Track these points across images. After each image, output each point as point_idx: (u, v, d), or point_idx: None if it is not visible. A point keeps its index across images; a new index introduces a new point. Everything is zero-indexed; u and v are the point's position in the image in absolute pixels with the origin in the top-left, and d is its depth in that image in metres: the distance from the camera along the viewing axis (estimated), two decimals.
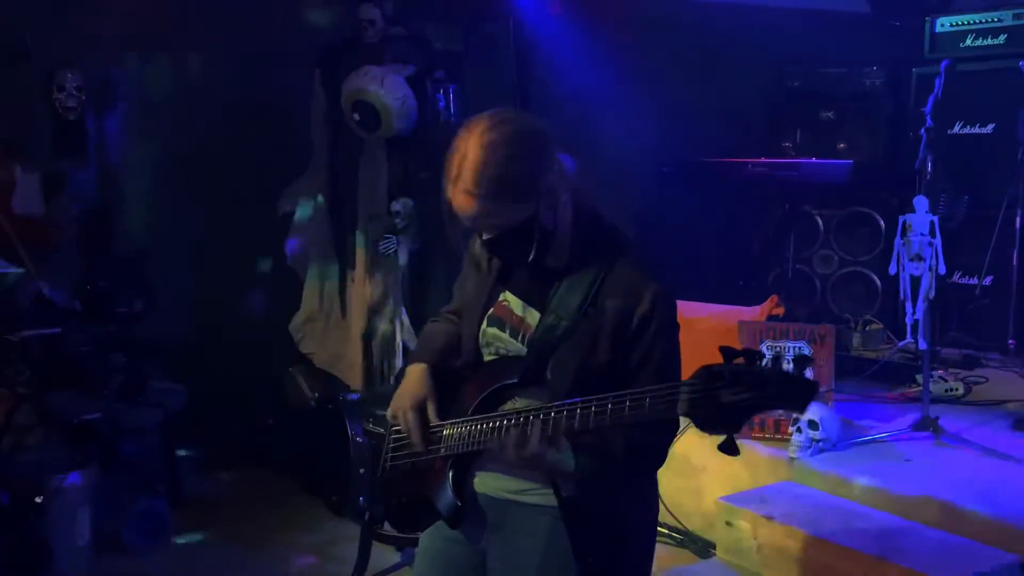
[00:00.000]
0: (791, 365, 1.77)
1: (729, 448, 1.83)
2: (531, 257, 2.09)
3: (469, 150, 2.03)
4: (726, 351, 1.78)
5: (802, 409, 1.81)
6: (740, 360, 1.77)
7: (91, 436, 4.50)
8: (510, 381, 2.15)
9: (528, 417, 2.02)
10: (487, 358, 2.26)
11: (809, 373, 1.84)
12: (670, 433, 2.14)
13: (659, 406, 1.85)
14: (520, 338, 2.19)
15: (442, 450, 2.21)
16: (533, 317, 2.18)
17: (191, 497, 5.11)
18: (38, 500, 4.16)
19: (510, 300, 2.24)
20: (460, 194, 2.04)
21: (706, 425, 1.80)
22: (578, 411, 1.95)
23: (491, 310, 2.26)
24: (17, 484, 4.13)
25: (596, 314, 2.08)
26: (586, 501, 2.13)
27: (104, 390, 4.71)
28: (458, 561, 2.32)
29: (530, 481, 2.18)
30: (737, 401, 1.75)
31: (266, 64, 5.86)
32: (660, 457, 2.17)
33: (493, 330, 2.24)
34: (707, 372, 1.78)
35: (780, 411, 4.29)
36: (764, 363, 1.78)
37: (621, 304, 2.07)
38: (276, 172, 5.73)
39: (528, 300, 2.21)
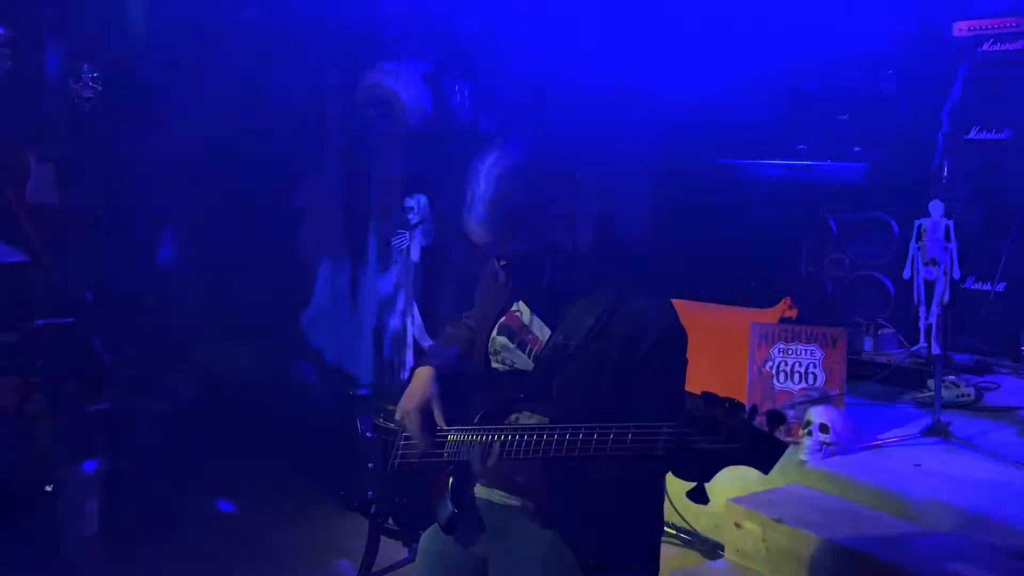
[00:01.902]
0: (767, 420, 1.78)
1: (697, 496, 1.87)
2: (544, 281, 2.12)
3: (481, 181, 2.08)
4: (708, 398, 1.79)
5: (766, 470, 1.81)
6: (720, 409, 1.80)
7: (102, 426, 4.51)
8: (516, 396, 2.18)
9: (513, 435, 2.05)
10: (494, 365, 2.27)
11: (781, 432, 1.84)
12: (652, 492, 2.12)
13: (639, 442, 1.88)
14: (527, 351, 2.21)
15: (444, 455, 2.21)
16: (543, 332, 2.20)
17: (200, 488, 5.11)
18: (48, 489, 4.17)
19: (523, 312, 2.26)
20: (474, 224, 2.10)
21: (678, 470, 1.83)
22: (567, 436, 1.97)
23: (503, 319, 2.27)
24: (27, 472, 4.14)
25: (604, 340, 2.10)
26: (582, 516, 2.14)
27: (115, 381, 4.73)
28: (457, 564, 2.32)
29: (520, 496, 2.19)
30: (708, 451, 1.78)
31: (283, 59, 5.87)
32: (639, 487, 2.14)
33: (502, 339, 2.26)
34: (688, 416, 1.80)
35: (791, 415, 4.29)
36: (746, 415, 1.79)
37: (629, 333, 2.08)
38: (290, 166, 5.73)
39: (542, 315, 2.23)
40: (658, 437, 1.84)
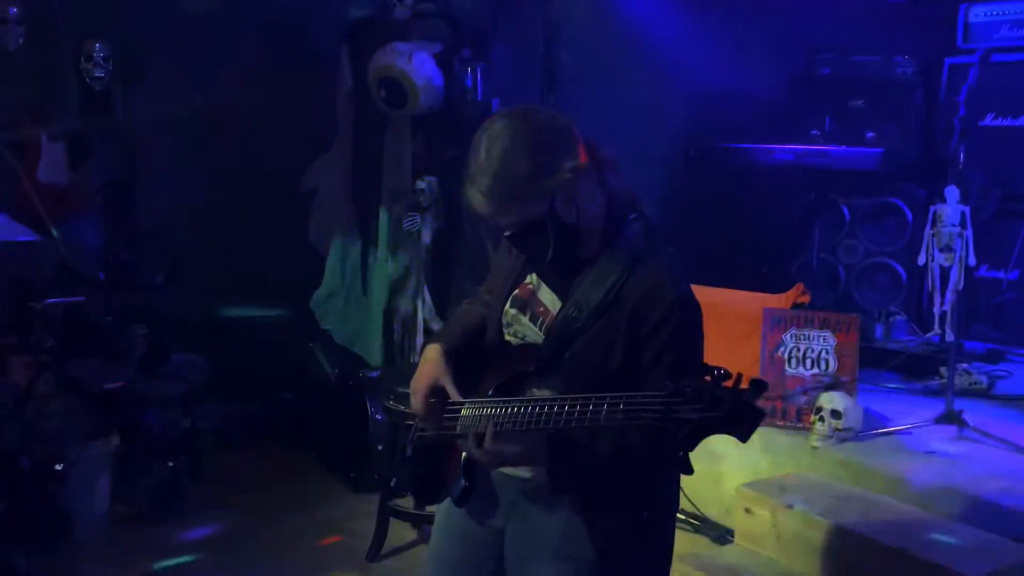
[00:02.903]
0: (751, 388, 1.78)
1: (682, 467, 1.87)
2: (550, 253, 2.11)
3: (482, 151, 2.06)
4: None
5: (744, 437, 1.80)
6: (708, 378, 1.80)
7: (112, 406, 4.51)
8: (527, 368, 2.17)
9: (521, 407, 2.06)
10: (507, 338, 2.27)
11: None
12: (661, 440, 2.10)
13: (633, 413, 1.88)
14: (538, 324, 2.20)
15: (458, 428, 2.21)
16: (555, 304, 2.19)
17: (209, 470, 5.12)
18: (58, 468, 4.18)
19: (535, 283, 2.25)
20: (475, 194, 2.09)
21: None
22: (564, 408, 1.97)
23: (516, 291, 2.26)
24: (38, 451, 4.14)
25: (615, 312, 2.08)
26: (592, 491, 2.13)
27: (126, 360, 4.73)
28: (474, 538, 2.32)
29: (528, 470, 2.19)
30: (691, 419, 1.78)
31: (294, 39, 5.85)
32: (656, 461, 2.10)
33: (514, 311, 2.25)
34: (673, 386, 1.81)
35: (803, 400, 4.28)
36: (731, 383, 1.80)
37: (639, 305, 2.07)
38: (301, 147, 5.73)
39: (553, 286, 2.21)
40: (647, 407, 1.84)
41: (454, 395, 2.24)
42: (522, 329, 2.22)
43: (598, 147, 2.18)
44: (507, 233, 2.14)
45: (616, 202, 2.17)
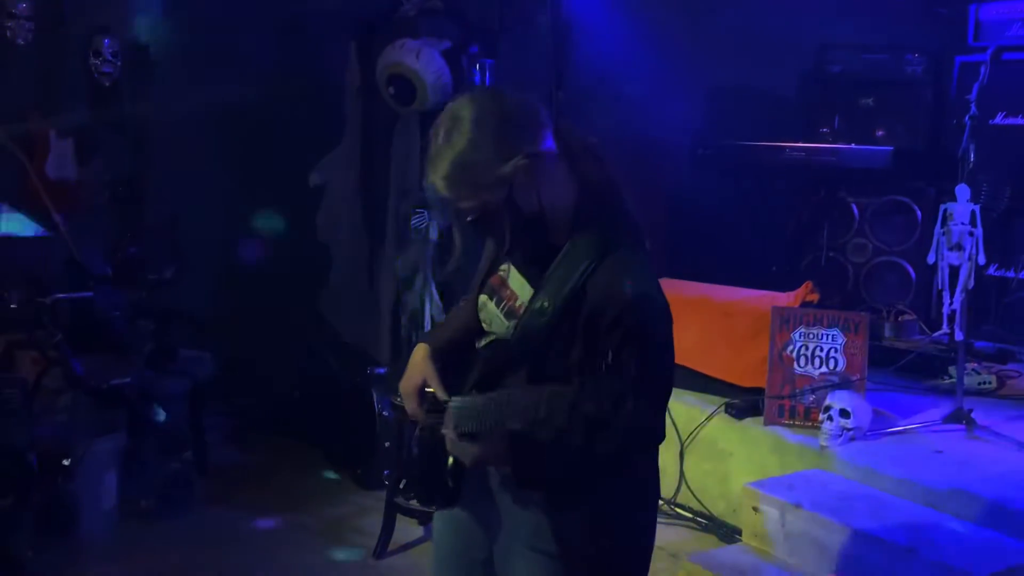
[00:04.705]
0: None
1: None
2: (508, 239, 2.08)
3: (441, 134, 2.04)
4: None
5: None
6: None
7: (120, 401, 4.52)
8: (499, 363, 2.16)
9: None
10: (485, 328, 2.25)
11: None
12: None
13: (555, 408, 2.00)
14: (503, 308, 2.18)
15: (441, 428, 2.20)
16: (524, 290, 2.16)
17: (216, 466, 5.13)
18: (66, 463, 4.18)
19: (507, 271, 2.22)
20: (435, 178, 2.06)
21: None
22: (511, 402, 2.04)
23: (490, 278, 2.25)
24: (45, 446, 4.15)
25: (579, 304, 2.04)
26: (558, 487, 2.11)
27: (134, 356, 4.74)
28: (467, 527, 2.31)
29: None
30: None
31: (302, 36, 5.85)
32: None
33: (484, 297, 2.24)
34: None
35: (811, 399, 4.27)
36: None
37: (598, 301, 2.02)
38: (309, 144, 5.73)
39: (524, 274, 2.19)
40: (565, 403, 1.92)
41: (440, 394, 2.22)
42: (489, 316, 2.21)
43: (574, 135, 2.15)
44: (469, 219, 2.10)
45: (591, 192, 2.12)
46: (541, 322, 2.07)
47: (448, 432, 2.10)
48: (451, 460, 2.18)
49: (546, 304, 2.07)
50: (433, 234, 5.27)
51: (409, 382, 2.28)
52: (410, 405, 2.28)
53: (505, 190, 2.03)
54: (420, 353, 2.30)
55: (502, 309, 2.18)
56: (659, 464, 2.26)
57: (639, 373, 2.00)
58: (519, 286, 2.18)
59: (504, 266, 2.24)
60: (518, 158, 2.02)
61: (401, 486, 4.27)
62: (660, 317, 2.08)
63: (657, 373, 2.06)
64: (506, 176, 2.02)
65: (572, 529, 2.12)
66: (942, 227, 4.21)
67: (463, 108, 2.05)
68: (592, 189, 2.13)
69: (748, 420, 4.45)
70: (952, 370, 4.60)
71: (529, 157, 2.03)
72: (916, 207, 5.74)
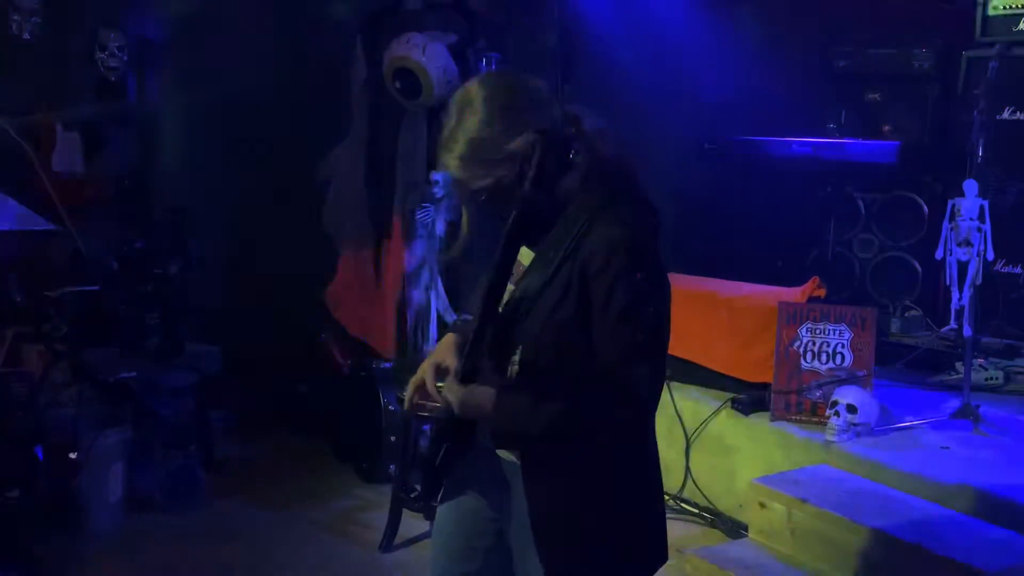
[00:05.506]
0: None
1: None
2: (513, 216, 2.05)
3: (454, 114, 2.09)
4: None
5: None
6: None
7: (126, 395, 4.53)
8: (503, 326, 2.13)
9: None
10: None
11: None
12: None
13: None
14: (513, 280, 2.17)
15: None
16: (529, 260, 2.18)
17: (223, 459, 5.13)
18: (72, 456, 4.19)
19: (522, 253, 2.21)
20: (448, 158, 2.10)
21: None
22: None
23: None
24: (52, 439, 4.16)
25: (571, 262, 2.05)
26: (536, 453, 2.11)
27: (140, 349, 4.74)
28: (470, 512, 2.31)
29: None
30: None
31: (308, 30, 5.84)
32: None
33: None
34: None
35: (818, 395, 4.26)
36: None
37: (590, 248, 2.03)
38: (315, 138, 5.72)
39: (533, 247, 2.19)
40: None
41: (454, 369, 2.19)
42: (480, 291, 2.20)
43: (585, 118, 2.16)
44: (483, 198, 2.12)
45: (600, 170, 2.12)
46: (538, 282, 2.09)
47: (449, 381, 2.09)
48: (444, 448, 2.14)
49: (543, 263, 2.09)
50: (440, 228, 5.27)
51: (427, 360, 2.26)
52: (420, 381, 2.23)
53: (517, 166, 2.06)
54: (448, 339, 2.29)
55: (512, 280, 2.17)
56: (665, 459, 2.25)
57: (633, 309, 2.00)
58: (526, 256, 2.19)
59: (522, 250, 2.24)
60: (528, 133, 2.05)
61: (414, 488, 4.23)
62: (651, 266, 2.06)
63: (649, 324, 2.03)
64: (518, 152, 2.05)
65: (555, 503, 2.10)
66: (950, 222, 4.20)
67: (474, 89, 2.10)
68: (602, 168, 2.14)
69: (755, 415, 4.45)
70: (959, 366, 4.59)
71: (540, 133, 2.05)
72: (923, 202, 5.72)
